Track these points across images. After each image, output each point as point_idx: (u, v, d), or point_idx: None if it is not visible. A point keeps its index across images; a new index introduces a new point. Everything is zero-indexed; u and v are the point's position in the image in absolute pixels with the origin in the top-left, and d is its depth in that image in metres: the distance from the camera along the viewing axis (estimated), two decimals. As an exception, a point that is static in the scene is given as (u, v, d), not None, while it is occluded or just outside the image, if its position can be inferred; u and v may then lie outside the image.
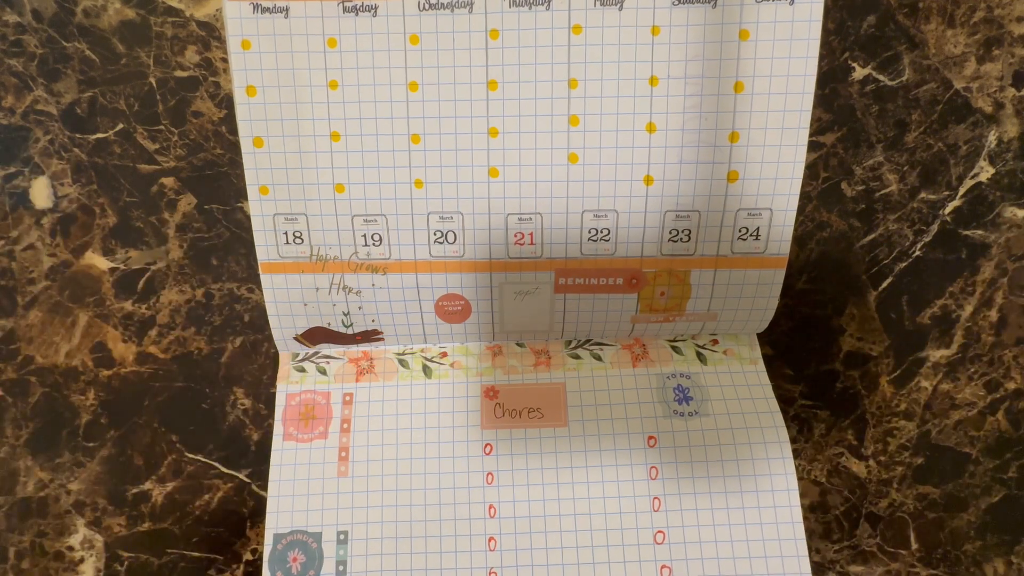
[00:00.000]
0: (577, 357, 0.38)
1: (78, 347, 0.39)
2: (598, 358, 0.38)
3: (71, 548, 0.40)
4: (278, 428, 0.37)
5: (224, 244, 0.39)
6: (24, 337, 0.39)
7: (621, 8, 0.32)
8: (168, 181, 0.38)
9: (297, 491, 0.36)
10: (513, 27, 0.33)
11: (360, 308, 0.37)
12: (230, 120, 0.38)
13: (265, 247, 0.36)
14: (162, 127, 0.38)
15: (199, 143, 0.38)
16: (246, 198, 0.38)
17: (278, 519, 0.36)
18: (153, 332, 0.39)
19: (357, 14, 0.33)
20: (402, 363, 0.38)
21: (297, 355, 0.39)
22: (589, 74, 0.33)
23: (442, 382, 0.38)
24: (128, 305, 0.39)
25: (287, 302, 0.37)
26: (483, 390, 0.38)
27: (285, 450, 0.37)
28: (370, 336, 0.38)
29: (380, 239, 0.35)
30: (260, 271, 0.36)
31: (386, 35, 0.33)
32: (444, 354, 0.38)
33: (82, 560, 0.41)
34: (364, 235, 0.35)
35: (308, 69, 0.33)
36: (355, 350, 0.38)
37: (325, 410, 0.37)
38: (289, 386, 0.38)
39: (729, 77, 0.33)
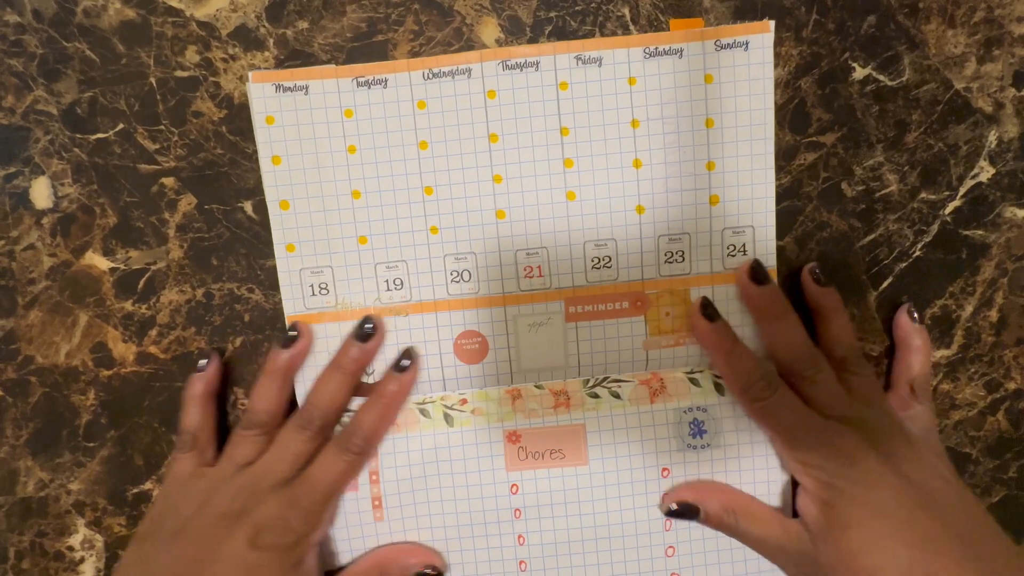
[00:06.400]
0: (596, 396, 0.39)
1: (78, 347, 0.39)
2: (616, 396, 0.39)
3: (71, 548, 0.40)
4: None
5: (224, 244, 0.39)
6: (24, 337, 0.39)
7: (600, 65, 0.36)
8: (168, 181, 0.38)
9: (339, 536, 0.39)
10: (508, 87, 0.37)
11: (383, 353, 0.38)
12: (230, 120, 0.38)
13: (292, 300, 0.38)
14: (162, 127, 0.38)
15: (199, 143, 0.38)
16: (246, 198, 0.38)
17: (325, 561, 0.39)
18: (153, 332, 0.39)
19: (370, 87, 0.37)
20: (423, 412, 0.38)
21: None
22: (578, 122, 0.37)
23: (464, 430, 0.38)
24: (128, 305, 0.39)
25: (311, 353, 0.38)
26: (505, 435, 0.38)
27: None
28: None
29: (401, 283, 0.38)
30: (286, 324, 0.38)
31: (396, 103, 0.37)
32: (464, 401, 0.39)
33: (82, 560, 0.41)
34: (386, 280, 0.38)
35: (328, 137, 0.37)
36: None
37: None
38: None
39: (700, 115, 0.37)
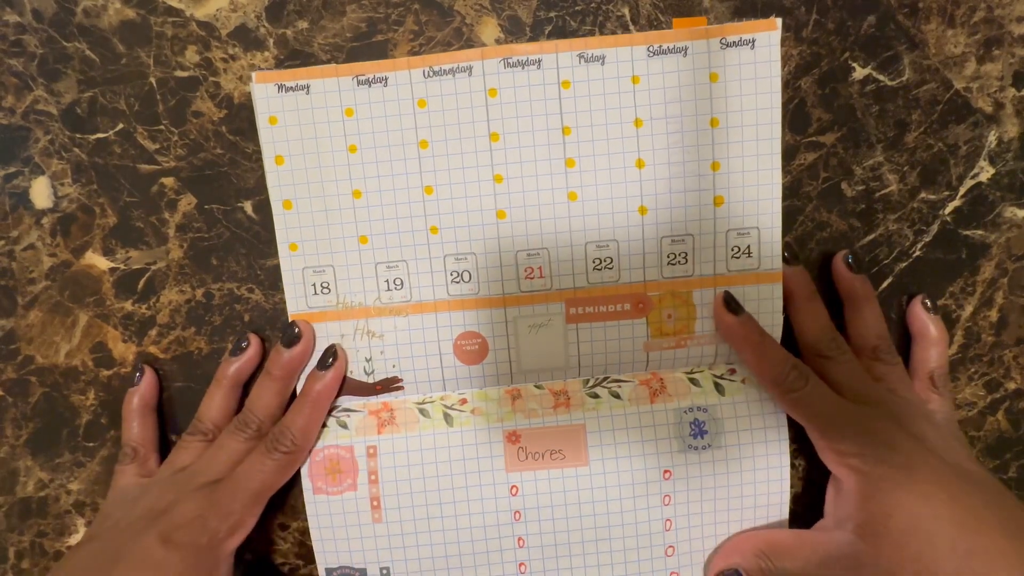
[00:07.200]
0: (596, 396, 0.39)
1: (78, 347, 0.39)
2: (616, 396, 0.38)
3: (71, 548, 0.40)
4: (306, 483, 0.38)
5: (224, 244, 0.39)
6: (24, 337, 0.39)
7: (603, 63, 0.36)
8: (168, 181, 0.38)
9: (337, 536, 0.38)
10: (509, 85, 0.36)
11: (382, 352, 0.38)
12: (230, 120, 0.38)
13: (295, 299, 0.38)
14: (162, 127, 0.38)
15: (199, 143, 0.38)
16: (246, 198, 0.38)
17: (325, 558, 0.39)
18: (153, 332, 0.39)
19: (370, 85, 0.36)
20: (423, 412, 0.38)
21: None
22: (580, 121, 0.36)
23: (464, 430, 0.38)
24: (128, 305, 0.39)
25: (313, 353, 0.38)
26: (505, 435, 0.38)
27: (318, 502, 0.38)
28: (390, 385, 0.38)
29: (401, 283, 0.38)
30: (289, 323, 0.38)
31: (397, 101, 0.37)
32: (464, 400, 0.39)
33: (82, 560, 0.41)
34: (387, 280, 0.38)
35: (329, 137, 0.37)
36: (375, 402, 0.39)
37: (350, 463, 0.38)
38: None
39: (704, 115, 0.36)
